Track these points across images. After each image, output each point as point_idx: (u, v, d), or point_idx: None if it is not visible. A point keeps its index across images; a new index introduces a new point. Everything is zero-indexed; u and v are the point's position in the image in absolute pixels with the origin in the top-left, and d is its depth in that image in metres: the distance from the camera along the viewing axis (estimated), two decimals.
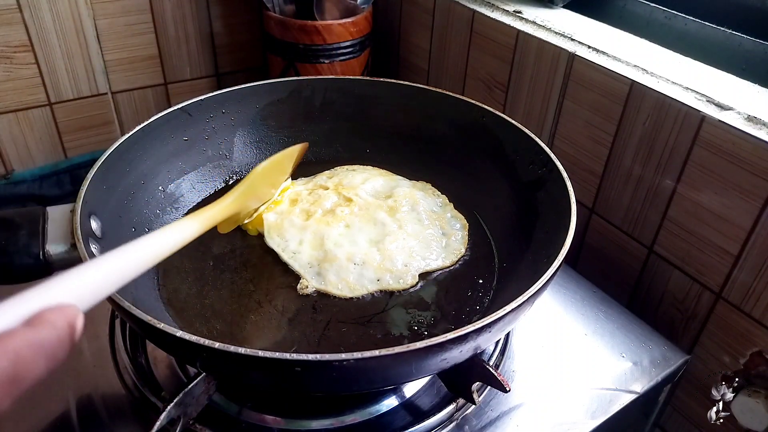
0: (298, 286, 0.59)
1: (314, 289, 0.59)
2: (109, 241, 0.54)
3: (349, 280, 0.59)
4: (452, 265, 0.63)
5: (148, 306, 0.54)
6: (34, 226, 0.50)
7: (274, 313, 0.56)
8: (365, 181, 0.70)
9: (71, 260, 0.50)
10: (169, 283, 0.59)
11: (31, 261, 0.49)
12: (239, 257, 0.63)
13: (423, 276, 0.61)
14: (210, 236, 0.64)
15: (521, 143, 0.65)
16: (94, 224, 0.54)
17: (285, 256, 0.62)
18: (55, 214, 0.52)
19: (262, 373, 0.43)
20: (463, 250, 0.64)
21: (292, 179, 0.71)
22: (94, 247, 0.50)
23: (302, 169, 0.74)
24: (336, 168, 0.74)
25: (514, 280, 0.58)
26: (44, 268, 0.50)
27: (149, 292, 0.57)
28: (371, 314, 0.56)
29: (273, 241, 0.64)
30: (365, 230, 0.64)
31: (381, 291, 0.59)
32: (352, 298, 0.58)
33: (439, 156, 0.73)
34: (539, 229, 0.60)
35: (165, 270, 0.60)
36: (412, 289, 0.59)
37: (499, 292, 0.59)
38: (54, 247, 0.50)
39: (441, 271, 0.62)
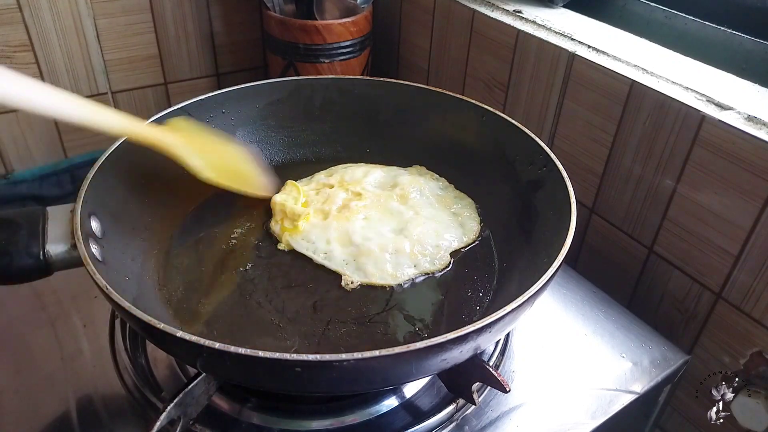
0: (342, 283, 0.59)
1: (359, 282, 0.59)
2: (109, 241, 0.54)
3: (388, 269, 0.60)
4: (475, 241, 0.65)
5: (148, 306, 0.54)
6: (34, 226, 0.50)
7: (274, 313, 0.56)
8: (366, 175, 0.70)
9: (71, 260, 0.50)
10: (169, 283, 0.59)
11: (31, 261, 0.49)
12: (240, 257, 0.63)
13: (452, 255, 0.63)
14: (210, 236, 0.64)
15: (521, 143, 0.65)
16: (94, 224, 0.54)
17: (318, 258, 0.62)
18: (55, 214, 0.52)
19: (262, 373, 0.43)
20: (478, 227, 0.66)
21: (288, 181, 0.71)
22: (94, 248, 0.50)
23: (302, 169, 0.75)
24: (330, 168, 0.74)
25: (514, 280, 0.58)
26: (44, 268, 0.50)
27: (149, 292, 0.57)
28: (371, 314, 0.56)
29: (300, 245, 0.63)
30: (385, 221, 0.64)
31: (422, 274, 0.60)
32: (359, 296, 0.58)
33: (439, 156, 0.73)
34: (539, 229, 0.60)
35: (165, 270, 0.60)
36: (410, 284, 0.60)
37: (499, 292, 0.59)
38: (54, 247, 0.50)
39: (442, 273, 0.62)
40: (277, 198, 0.67)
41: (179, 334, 0.40)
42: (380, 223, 0.64)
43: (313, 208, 0.66)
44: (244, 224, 0.67)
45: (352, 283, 0.59)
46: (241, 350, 0.39)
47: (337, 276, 0.60)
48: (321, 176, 0.72)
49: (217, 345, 0.39)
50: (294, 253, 0.63)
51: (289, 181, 0.70)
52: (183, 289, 0.59)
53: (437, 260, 0.62)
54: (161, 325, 0.41)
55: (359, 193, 0.67)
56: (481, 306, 0.58)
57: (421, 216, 0.65)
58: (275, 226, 0.65)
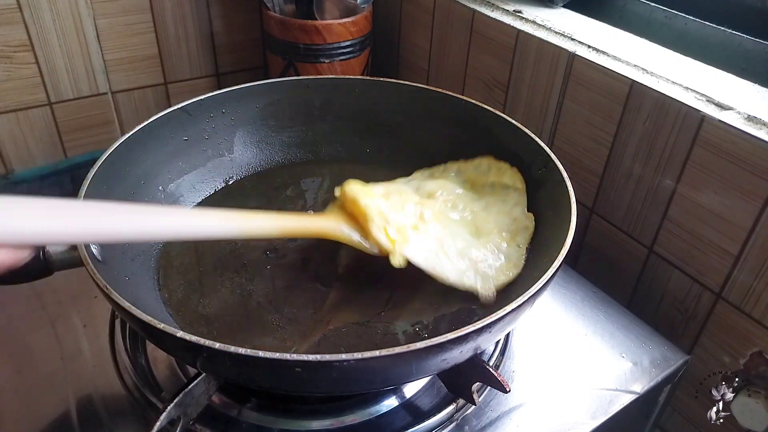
0: (481, 299, 0.56)
1: (494, 291, 0.56)
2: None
3: (512, 260, 0.58)
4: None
5: (149, 306, 0.54)
6: None
7: (274, 314, 0.56)
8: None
9: (72, 260, 0.50)
10: (169, 283, 0.59)
11: (31, 261, 0.49)
12: (240, 257, 0.63)
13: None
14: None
15: (521, 143, 0.65)
16: None
17: (449, 277, 0.56)
18: None
19: (262, 373, 0.43)
20: (520, 182, 0.65)
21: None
22: (94, 248, 0.50)
23: (302, 169, 0.75)
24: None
25: (514, 281, 0.58)
26: (44, 268, 0.50)
27: (149, 292, 0.57)
28: (371, 314, 0.56)
29: (419, 259, 0.56)
30: (455, 226, 0.61)
31: (526, 247, 0.60)
32: (359, 296, 0.58)
33: (440, 156, 0.73)
34: (540, 229, 0.60)
35: (165, 270, 0.60)
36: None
37: (499, 291, 0.59)
38: (54, 247, 0.50)
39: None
40: (368, 201, 0.56)
41: (179, 334, 0.40)
42: (457, 229, 0.60)
43: (401, 215, 0.58)
44: None
45: (489, 296, 0.56)
46: (241, 350, 0.39)
47: (337, 281, 0.60)
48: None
49: (217, 345, 0.39)
50: (295, 254, 0.62)
51: (351, 182, 0.58)
52: (183, 289, 0.59)
53: (526, 232, 0.60)
54: (161, 325, 0.41)
55: (423, 203, 0.61)
56: (481, 306, 0.58)
57: (483, 211, 0.63)
58: (380, 236, 0.55)
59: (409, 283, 0.59)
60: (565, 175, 0.58)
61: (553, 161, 0.60)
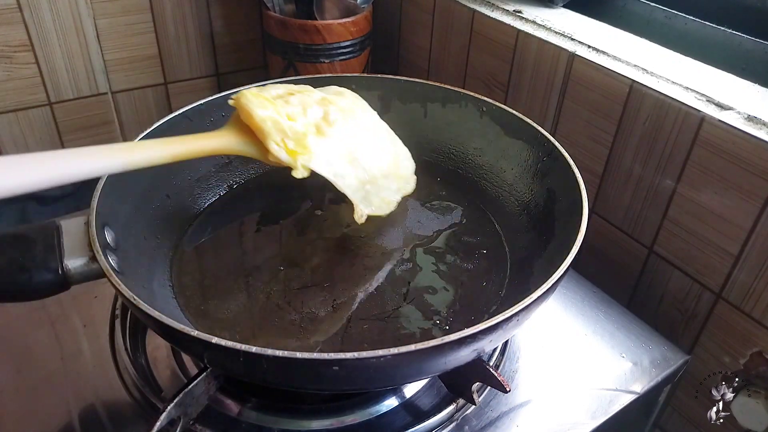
0: (355, 217, 0.55)
1: (366, 215, 0.55)
2: (123, 252, 0.53)
3: (388, 197, 0.56)
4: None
5: (169, 314, 0.53)
6: (49, 240, 0.49)
7: (294, 314, 0.56)
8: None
9: (91, 273, 0.49)
10: (186, 290, 0.58)
11: (50, 276, 0.48)
12: (252, 260, 0.62)
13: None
14: (218, 240, 0.64)
15: (523, 133, 0.65)
16: (109, 235, 0.53)
17: (339, 183, 0.54)
18: (69, 227, 0.51)
19: (299, 374, 0.43)
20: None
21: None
22: (112, 259, 0.50)
23: None
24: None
25: (528, 273, 0.58)
26: (63, 283, 0.49)
27: (167, 299, 0.56)
28: (390, 309, 0.56)
29: (322, 168, 0.54)
30: (359, 134, 0.57)
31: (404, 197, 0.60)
32: (377, 290, 0.58)
33: (441, 150, 0.73)
34: (550, 217, 0.60)
35: (179, 277, 0.59)
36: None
37: (512, 284, 0.59)
38: (72, 261, 0.49)
39: (456, 263, 0.62)
40: (262, 113, 0.52)
41: (215, 340, 0.40)
42: (365, 134, 0.57)
43: (302, 122, 0.54)
44: (250, 227, 0.66)
45: (361, 217, 0.55)
46: (279, 353, 0.39)
47: (353, 279, 0.59)
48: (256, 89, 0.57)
49: (269, 352, 0.39)
50: (308, 253, 0.61)
51: (245, 91, 0.54)
52: (199, 295, 0.58)
53: (410, 182, 0.59)
54: (194, 332, 0.41)
55: (329, 100, 0.56)
56: (496, 296, 0.58)
57: (386, 133, 0.60)
58: (279, 152, 0.52)
59: (426, 274, 0.60)
60: (569, 159, 0.59)
61: (557, 149, 0.60)
